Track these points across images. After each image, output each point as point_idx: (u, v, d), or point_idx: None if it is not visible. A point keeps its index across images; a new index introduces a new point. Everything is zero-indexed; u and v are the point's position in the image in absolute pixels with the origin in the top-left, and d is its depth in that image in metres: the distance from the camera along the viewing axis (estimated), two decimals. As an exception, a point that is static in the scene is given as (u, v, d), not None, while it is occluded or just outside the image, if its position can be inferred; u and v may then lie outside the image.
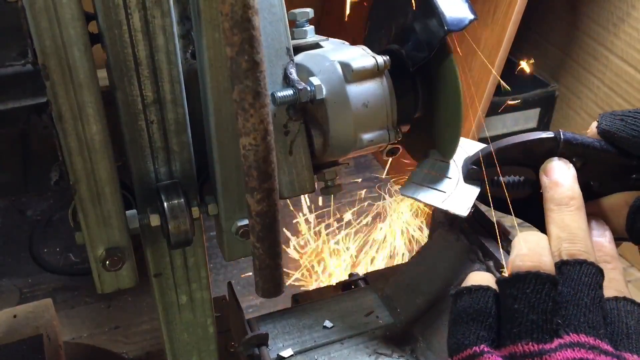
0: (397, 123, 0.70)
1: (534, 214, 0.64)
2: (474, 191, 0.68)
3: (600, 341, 0.47)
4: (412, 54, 0.70)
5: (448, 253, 0.76)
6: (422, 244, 0.85)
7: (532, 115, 1.63)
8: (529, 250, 0.53)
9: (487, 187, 0.66)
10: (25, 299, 1.33)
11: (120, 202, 0.63)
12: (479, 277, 0.54)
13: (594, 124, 0.63)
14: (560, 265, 0.52)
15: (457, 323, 0.51)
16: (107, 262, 0.65)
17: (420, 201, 0.71)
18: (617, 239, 0.60)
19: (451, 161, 0.72)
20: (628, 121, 0.59)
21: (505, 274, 0.55)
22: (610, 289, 0.52)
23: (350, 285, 0.90)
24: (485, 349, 0.49)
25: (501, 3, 1.30)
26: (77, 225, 0.64)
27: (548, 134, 0.62)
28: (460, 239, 0.75)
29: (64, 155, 0.59)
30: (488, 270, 0.70)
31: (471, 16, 0.66)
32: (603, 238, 0.58)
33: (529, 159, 0.63)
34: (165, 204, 0.64)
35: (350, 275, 0.93)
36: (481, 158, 0.66)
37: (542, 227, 0.63)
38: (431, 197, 0.70)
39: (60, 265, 1.42)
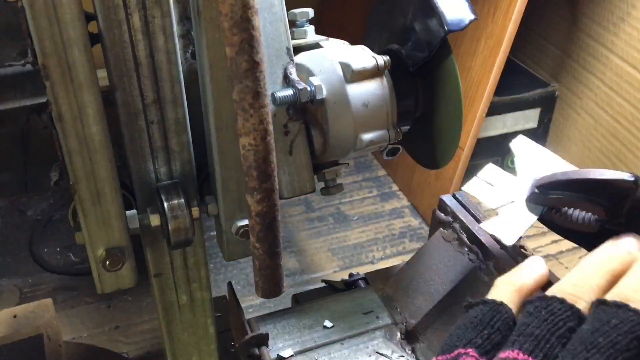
0: (397, 123, 0.70)
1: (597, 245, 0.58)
2: (530, 219, 0.62)
3: None
4: (412, 54, 0.70)
5: (448, 253, 0.76)
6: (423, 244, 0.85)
7: (532, 115, 1.63)
8: (574, 285, 0.49)
9: (555, 216, 0.61)
10: (25, 298, 1.33)
11: (120, 202, 0.63)
12: (501, 291, 0.52)
13: None
14: (597, 304, 0.46)
15: (459, 328, 0.50)
16: (107, 262, 0.65)
17: (480, 200, 0.65)
18: None
19: (521, 178, 0.64)
20: None
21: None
22: None
23: (350, 285, 0.90)
24: (471, 352, 0.47)
25: (501, 3, 1.30)
26: (77, 225, 0.64)
27: (627, 177, 0.56)
28: (461, 238, 0.75)
29: (64, 155, 0.59)
30: (488, 270, 0.70)
31: (471, 16, 0.66)
32: None
33: (603, 196, 0.58)
34: (165, 204, 0.64)
35: (350, 275, 0.93)
36: (549, 184, 0.60)
37: None
38: (491, 198, 0.64)
39: (61, 265, 1.42)
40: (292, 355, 0.74)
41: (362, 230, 1.54)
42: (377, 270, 0.89)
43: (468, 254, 0.73)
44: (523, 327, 0.46)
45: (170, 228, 0.64)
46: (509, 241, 0.62)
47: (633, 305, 0.44)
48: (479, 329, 0.49)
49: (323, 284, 0.95)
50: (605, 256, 0.51)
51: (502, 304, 0.50)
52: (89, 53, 0.55)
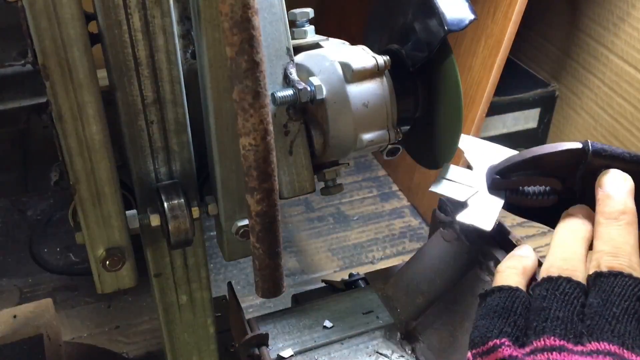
0: (397, 123, 0.70)
1: (557, 220, 0.62)
2: (498, 203, 0.65)
3: (625, 350, 0.46)
4: (412, 54, 0.70)
5: (448, 253, 0.76)
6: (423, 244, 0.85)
7: (532, 115, 1.63)
8: (565, 258, 0.53)
9: (515, 197, 0.65)
10: (26, 298, 1.33)
11: (120, 202, 0.63)
12: (508, 275, 0.55)
13: None
14: (595, 277, 0.51)
15: (484, 319, 0.52)
16: (107, 262, 0.65)
17: (448, 197, 0.69)
18: None
19: (476, 170, 0.69)
20: None
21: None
22: None
23: (350, 285, 0.90)
24: (506, 342, 0.49)
25: (501, 3, 1.30)
26: (77, 225, 0.64)
27: (576, 145, 0.60)
28: (460, 238, 0.75)
29: (64, 155, 0.59)
30: (488, 270, 0.70)
31: (471, 16, 0.66)
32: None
33: (556, 169, 0.62)
34: (165, 204, 0.64)
35: (350, 275, 0.93)
36: (506, 168, 0.64)
37: None
38: (459, 193, 0.68)
39: (61, 265, 1.42)
40: (292, 355, 0.74)
41: (362, 230, 1.54)
42: (377, 270, 0.89)
43: (468, 254, 0.73)
44: (545, 312, 0.49)
45: (170, 228, 0.64)
46: (488, 227, 0.64)
47: (621, 269, 0.50)
48: (505, 317, 0.51)
49: (323, 284, 0.95)
50: (574, 226, 0.57)
51: (517, 289, 0.53)
52: (89, 53, 0.55)
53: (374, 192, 1.66)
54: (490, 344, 0.50)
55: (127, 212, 0.65)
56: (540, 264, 0.56)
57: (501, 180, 0.65)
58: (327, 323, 0.78)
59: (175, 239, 0.64)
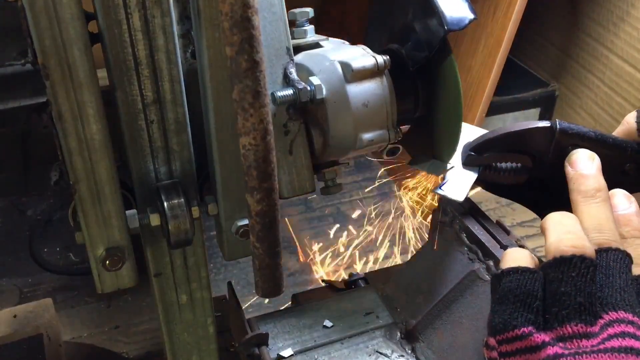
0: (397, 123, 0.70)
1: (530, 197, 0.69)
2: (471, 177, 0.69)
3: (637, 317, 0.49)
4: (412, 53, 0.70)
5: (448, 253, 0.76)
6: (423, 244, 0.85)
7: (532, 115, 1.63)
8: (571, 234, 0.54)
9: (489, 173, 0.69)
10: (25, 298, 1.33)
11: (120, 202, 0.63)
12: (520, 256, 0.56)
13: (630, 116, 0.64)
14: (598, 253, 0.53)
15: (503, 302, 0.52)
16: (107, 261, 0.65)
17: (424, 170, 0.73)
18: None
19: None
20: None
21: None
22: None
23: (350, 285, 0.90)
24: (533, 331, 0.50)
25: (501, 3, 1.30)
26: (77, 225, 0.64)
27: (544, 124, 0.64)
28: (461, 238, 0.75)
29: (64, 155, 0.59)
30: (488, 270, 0.70)
31: (471, 16, 0.66)
32: (629, 211, 0.58)
33: (526, 146, 0.66)
34: (165, 204, 0.63)
35: (350, 275, 0.93)
36: (479, 145, 0.68)
37: (537, 210, 0.70)
38: (433, 168, 0.72)
39: (60, 265, 1.42)
40: (292, 355, 0.74)
41: (362, 230, 1.54)
42: (377, 270, 0.89)
43: (468, 254, 0.73)
44: (565, 297, 0.50)
45: (170, 228, 0.64)
46: (459, 197, 0.68)
47: (612, 245, 0.53)
48: (526, 302, 0.52)
49: (323, 284, 0.95)
50: (561, 212, 0.57)
51: (534, 270, 0.54)
52: (89, 53, 0.55)
53: (374, 192, 1.66)
54: (518, 332, 0.51)
55: (127, 211, 0.65)
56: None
57: (475, 157, 0.69)
58: (327, 323, 0.78)
59: (175, 238, 0.64)
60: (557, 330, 0.50)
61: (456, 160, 0.71)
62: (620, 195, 0.59)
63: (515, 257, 0.56)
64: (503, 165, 0.69)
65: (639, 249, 0.55)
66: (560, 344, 0.49)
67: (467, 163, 0.70)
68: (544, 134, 0.64)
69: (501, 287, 0.54)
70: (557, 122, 0.63)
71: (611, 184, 0.61)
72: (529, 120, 0.67)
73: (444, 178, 0.70)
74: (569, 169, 0.61)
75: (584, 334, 0.49)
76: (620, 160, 0.65)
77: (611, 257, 0.53)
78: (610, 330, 0.48)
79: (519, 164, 0.68)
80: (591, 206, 0.57)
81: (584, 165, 0.61)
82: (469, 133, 0.72)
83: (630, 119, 0.65)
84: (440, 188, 0.69)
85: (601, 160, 0.62)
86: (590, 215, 0.57)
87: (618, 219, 0.57)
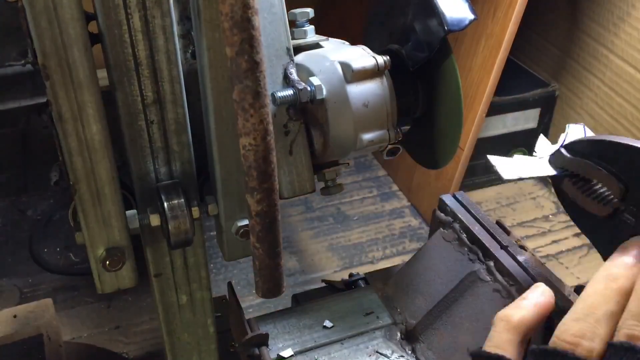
0: (397, 123, 0.70)
1: (604, 237, 0.55)
2: (541, 170, 0.57)
3: None
4: (412, 54, 0.70)
5: (448, 253, 0.76)
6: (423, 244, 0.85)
7: (532, 115, 1.63)
8: (581, 317, 0.46)
9: (571, 186, 0.57)
10: (26, 298, 1.33)
11: (121, 202, 0.63)
12: (501, 341, 0.49)
13: None
14: (608, 346, 0.44)
15: None
16: (107, 262, 0.65)
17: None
18: None
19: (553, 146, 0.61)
20: None
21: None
22: None
23: (350, 285, 0.90)
24: None
25: (501, 3, 1.30)
26: (77, 225, 0.64)
27: None
28: (461, 238, 0.75)
29: (64, 155, 0.59)
30: (488, 270, 0.70)
31: (471, 16, 0.66)
32: None
33: (626, 170, 0.52)
34: (165, 204, 0.64)
35: (350, 275, 0.93)
36: (574, 143, 0.56)
37: (607, 254, 0.53)
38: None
39: (61, 265, 1.42)
40: (292, 355, 0.74)
41: (362, 230, 1.54)
42: (377, 270, 0.89)
43: (468, 254, 0.73)
44: None
45: (170, 228, 0.64)
46: (505, 174, 0.57)
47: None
48: None
49: (323, 284, 0.95)
50: (615, 272, 0.47)
51: (502, 357, 0.48)
52: (89, 53, 0.55)
53: (374, 192, 1.66)
54: None
55: (127, 212, 0.65)
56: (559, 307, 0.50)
57: (563, 156, 0.56)
58: (327, 323, 0.78)
59: (175, 239, 0.64)
60: None
61: (545, 152, 0.60)
62: None
63: (495, 338, 0.50)
64: (589, 184, 0.55)
65: None
66: None
67: (553, 159, 0.58)
68: None
69: None
70: None
71: None
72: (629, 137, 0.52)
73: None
74: None
75: None
76: None
77: (628, 357, 0.42)
78: None
79: (608, 191, 0.54)
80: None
81: None
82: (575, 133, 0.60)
83: None
84: (495, 158, 0.58)
85: None
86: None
87: None
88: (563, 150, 0.57)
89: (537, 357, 0.46)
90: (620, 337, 0.43)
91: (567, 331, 0.45)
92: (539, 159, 0.59)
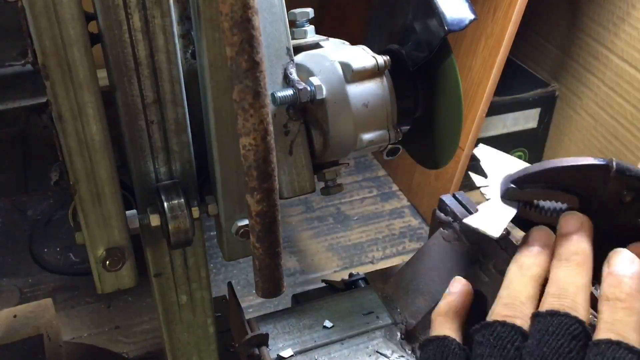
0: (397, 123, 0.70)
1: None
2: (510, 212, 0.62)
3: None
4: (412, 54, 0.70)
5: (448, 253, 0.76)
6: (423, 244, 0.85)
7: (532, 115, 1.63)
8: (506, 303, 0.53)
9: (528, 211, 0.62)
10: (25, 298, 1.33)
11: (121, 202, 0.63)
12: (439, 324, 0.57)
13: None
14: (533, 317, 0.51)
15: None
16: (107, 262, 0.65)
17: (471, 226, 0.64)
18: None
19: (491, 179, 0.66)
20: None
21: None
22: (608, 331, 0.48)
23: (350, 285, 0.90)
24: None
25: (501, 3, 1.30)
26: (77, 225, 0.64)
27: (600, 161, 0.57)
28: (461, 238, 0.75)
29: (64, 155, 0.59)
30: (488, 270, 0.70)
31: (471, 16, 0.66)
32: (625, 271, 0.52)
33: (575, 185, 0.59)
34: (165, 204, 0.64)
35: (350, 275, 0.93)
36: (522, 178, 0.61)
37: None
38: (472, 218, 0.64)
39: (61, 265, 1.42)
40: (292, 355, 0.74)
41: (362, 230, 1.54)
42: (377, 270, 0.89)
43: (468, 254, 0.73)
44: (479, 359, 0.50)
45: (170, 228, 0.64)
46: (495, 233, 0.60)
47: (562, 310, 0.49)
48: None
49: (323, 284, 0.95)
50: (525, 262, 0.56)
51: (445, 337, 0.54)
52: (89, 53, 0.55)
53: (374, 192, 1.66)
54: None
55: (127, 212, 0.65)
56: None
57: (516, 190, 0.61)
58: (327, 323, 0.78)
59: (175, 239, 0.64)
60: None
61: (493, 192, 0.64)
62: (620, 255, 0.53)
63: (435, 326, 0.57)
64: (545, 203, 0.61)
65: (618, 312, 0.49)
66: None
67: (507, 197, 0.62)
68: (598, 173, 0.57)
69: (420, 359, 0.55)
70: (614, 162, 0.56)
71: None
72: (582, 156, 0.58)
73: (476, 209, 0.64)
74: (557, 232, 0.58)
75: None
76: None
77: (552, 322, 0.48)
78: None
79: (564, 204, 0.60)
80: (560, 270, 0.53)
81: (568, 227, 0.56)
82: (510, 164, 0.66)
83: None
84: (471, 219, 0.62)
85: None
86: (556, 279, 0.53)
87: (607, 277, 0.52)
88: (514, 186, 0.61)
89: (479, 330, 0.52)
90: (543, 310, 0.50)
91: (499, 312, 0.52)
92: (495, 201, 0.63)
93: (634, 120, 1.38)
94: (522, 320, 0.51)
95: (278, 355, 0.73)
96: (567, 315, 0.49)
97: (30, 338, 0.94)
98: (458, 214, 0.76)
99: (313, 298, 0.85)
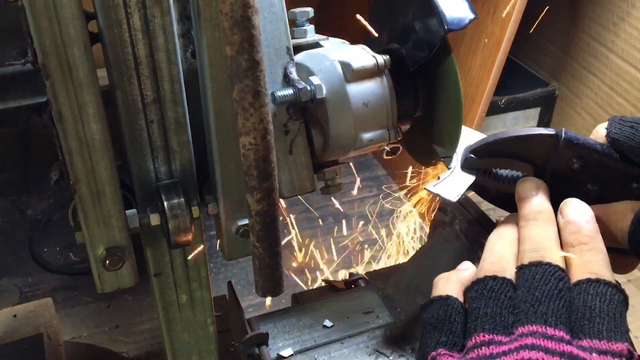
0: (397, 122, 0.70)
1: None
2: (468, 179, 0.67)
3: (548, 327, 0.49)
4: (412, 53, 0.70)
5: (448, 253, 0.76)
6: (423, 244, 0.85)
7: (532, 115, 1.63)
8: (493, 261, 0.57)
9: (487, 179, 0.66)
10: (26, 298, 1.33)
11: (120, 202, 0.63)
12: (443, 286, 0.58)
13: (601, 127, 0.62)
14: (518, 270, 0.54)
15: (423, 335, 0.56)
16: (107, 261, 0.65)
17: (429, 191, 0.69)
18: (617, 250, 0.59)
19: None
20: (639, 129, 0.59)
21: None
22: (583, 272, 0.53)
23: (350, 285, 0.90)
24: (442, 352, 0.52)
25: (501, 3, 1.30)
26: (77, 224, 0.64)
27: (549, 131, 0.61)
28: (460, 238, 0.74)
29: (64, 154, 0.59)
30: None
31: (471, 15, 0.66)
32: (581, 217, 0.57)
33: (528, 153, 0.63)
34: (165, 204, 0.63)
35: (351, 274, 0.93)
36: (480, 148, 0.65)
37: None
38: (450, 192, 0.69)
39: (61, 264, 1.42)
40: (292, 355, 0.74)
41: (362, 230, 1.54)
42: (377, 270, 0.89)
43: (468, 254, 0.73)
44: (475, 312, 0.53)
45: (170, 227, 0.64)
46: (452, 198, 0.65)
47: (544, 260, 0.53)
48: (440, 327, 0.54)
49: (323, 284, 0.95)
50: (502, 231, 0.60)
51: (447, 296, 0.57)
52: (89, 52, 0.55)
53: (374, 192, 1.66)
54: (429, 358, 0.53)
55: (127, 211, 0.65)
56: None
57: (475, 159, 0.66)
58: (327, 322, 0.78)
59: (175, 238, 0.64)
60: (467, 344, 0.51)
61: (454, 162, 0.69)
62: (571, 204, 0.59)
63: (437, 289, 0.59)
64: (502, 172, 0.66)
65: (585, 255, 0.54)
66: (465, 356, 0.50)
67: (466, 166, 0.67)
68: (548, 142, 0.61)
69: (423, 320, 0.56)
70: (563, 132, 0.61)
71: (617, 200, 0.60)
72: (533, 127, 0.64)
73: (439, 177, 0.68)
74: (517, 197, 0.62)
75: (487, 342, 0.50)
76: (627, 178, 0.61)
77: (538, 270, 0.53)
78: (521, 341, 0.48)
79: (519, 173, 0.65)
80: (530, 228, 0.58)
81: (527, 191, 0.61)
82: (469, 136, 0.71)
83: (600, 128, 0.63)
84: (433, 186, 0.67)
85: (607, 176, 0.61)
86: (529, 236, 0.57)
87: (566, 226, 0.57)
88: (473, 156, 0.66)
89: (471, 287, 0.55)
90: (525, 263, 0.54)
91: (488, 269, 0.56)
92: (455, 169, 0.68)
93: (634, 120, 1.37)
94: (510, 275, 0.55)
95: (278, 354, 0.73)
96: (549, 264, 0.53)
97: (30, 337, 0.95)
98: (458, 214, 0.76)
99: (313, 298, 0.85)
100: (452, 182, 0.67)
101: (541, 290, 0.51)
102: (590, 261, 0.54)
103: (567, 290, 0.51)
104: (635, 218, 0.58)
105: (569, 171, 0.62)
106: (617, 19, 1.38)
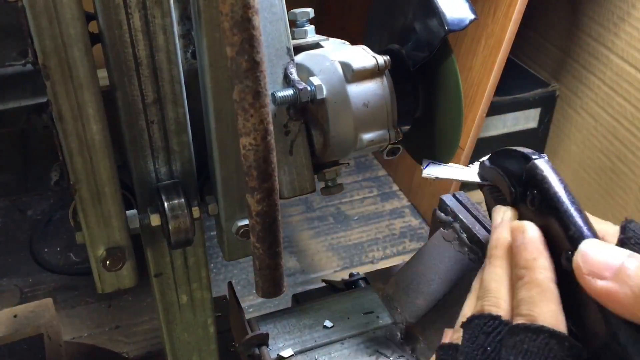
0: (397, 123, 0.70)
1: None
2: (465, 175, 0.64)
3: None
4: (412, 53, 0.70)
5: (448, 253, 0.76)
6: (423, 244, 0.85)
7: (532, 115, 1.63)
8: (464, 313, 0.53)
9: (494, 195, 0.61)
10: (26, 298, 1.33)
11: (121, 202, 0.63)
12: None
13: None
14: (462, 325, 0.52)
15: None
16: (107, 261, 0.65)
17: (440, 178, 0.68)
18: None
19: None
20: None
21: None
22: (516, 315, 0.48)
23: (350, 285, 0.90)
24: None
25: (501, 3, 1.30)
26: (78, 225, 0.64)
27: (528, 152, 0.54)
28: (461, 238, 0.75)
29: (64, 155, 0.59)
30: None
31: (472, 16, 0.66)
32: (523, 241, 0.50)
33: (515, 172, 0.56)
34: (165, 204, 0.64)
35: (351, 275, 0.93)
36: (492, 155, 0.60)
37: None
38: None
39: (61, 264, 1.42)
40: (292, 355, 0.74)
41: (362, 230, 1.54)
42: (377, 270, 0.89)
43: (468, 254, 0.73)
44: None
45: (170, 228, 0.64)
46: (424, 173, 0.66)
47: (485, 311, 0.49)
48: None
49: (323, 284, 0.95)
50: (492, 272, 0.53)
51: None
52: (90, 53, 0.55)
53: (374, 192, 1.66)
54: None
55: (127, 211, 0.65)
56: None
57: (484, 165, 0.61)
58: (328, 323, 0.78)
59: (176, 238, 0.64)
60: None
61: (474, 166, 0.65)
62: (514, 227, 0.52)
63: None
64: (494, 190, 0.60)
65: (520, 292, 0.48)
66: None
67: (480, 170, 0.62)
68: (521, 162, 0.54)
69: None
70: (540, 159, 0.53)
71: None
72: (524, 148, 0.55)
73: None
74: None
75: None
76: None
77: (472, 326, 0.49)
78: None
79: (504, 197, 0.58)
80: (485, 269, 0.53)
81: (493, 223, 0.56)
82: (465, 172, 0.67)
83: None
84: (430, 162, 0.66)
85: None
86: (482, 280, 0.53)
87: (513, 257, 0.51)
88: (486, 161, 0.60)
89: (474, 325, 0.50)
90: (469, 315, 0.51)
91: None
92: (469, 167, 0.65)
93: (634, 120, 1.38)
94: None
95: (278, 355, 0.73)
96: (480, 316, 0.49)
97: (30, 338, 0.95)
98: (458, 214, 0.76)
99: (313, 298, 0.85)
100: (449, 167, 0.66)
101: (469, 349, 0.48)
102: (523, 299, 0.47)
103: (497, 343, 0.47)
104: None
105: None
106: (617, 19, 1.38)
